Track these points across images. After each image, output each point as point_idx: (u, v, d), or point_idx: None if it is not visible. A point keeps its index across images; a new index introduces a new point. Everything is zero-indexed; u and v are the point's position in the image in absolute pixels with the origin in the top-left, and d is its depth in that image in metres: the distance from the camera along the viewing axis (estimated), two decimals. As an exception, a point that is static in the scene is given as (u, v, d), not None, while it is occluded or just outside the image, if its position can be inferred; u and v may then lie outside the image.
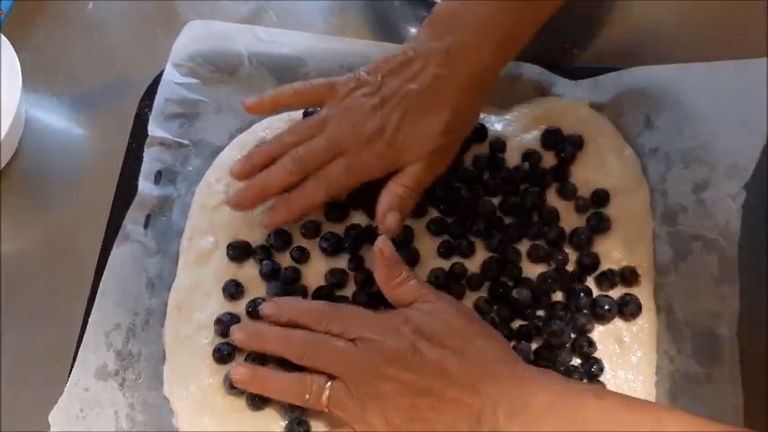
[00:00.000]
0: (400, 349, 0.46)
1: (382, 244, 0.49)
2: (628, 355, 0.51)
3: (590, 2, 0.63)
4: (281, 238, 0.55)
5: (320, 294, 0.54)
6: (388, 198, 0.51)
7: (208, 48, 0.59)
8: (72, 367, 0.51)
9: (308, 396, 0.47)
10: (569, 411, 0.42)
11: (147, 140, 0.57)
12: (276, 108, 0.56)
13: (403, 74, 0.51)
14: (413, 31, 0.64)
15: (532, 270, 0.54)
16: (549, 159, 0.57)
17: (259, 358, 0.51)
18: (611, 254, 0.54)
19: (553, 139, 0.57)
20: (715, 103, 0.53)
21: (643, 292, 0.53)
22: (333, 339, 0.48)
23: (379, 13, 0.65)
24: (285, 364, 0.50)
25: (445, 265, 0.54)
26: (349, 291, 0.54)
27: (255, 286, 0.55)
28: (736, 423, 0.47)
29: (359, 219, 0.56)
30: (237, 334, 0.51)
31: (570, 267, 0.54)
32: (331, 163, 0.51)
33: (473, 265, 0.54)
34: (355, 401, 0.46)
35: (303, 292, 0.54)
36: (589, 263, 0.54)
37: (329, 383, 0.47)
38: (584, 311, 0.52)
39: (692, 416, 0.41)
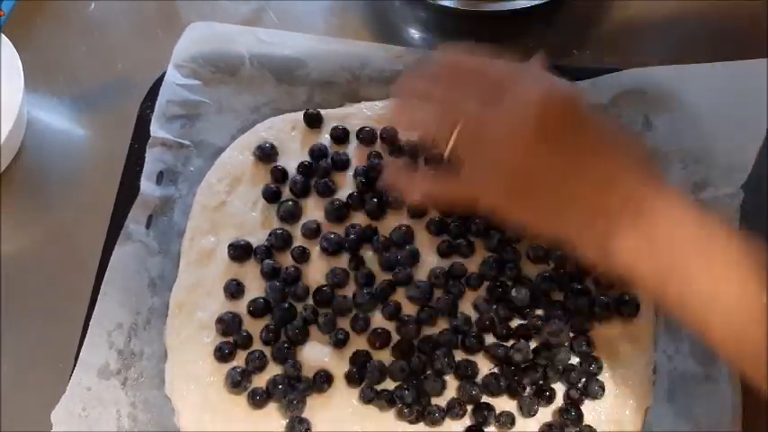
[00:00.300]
0: (542, 128, 0.42)
1: None
2: (626, 354, 0.52)
3: (590, 2, 0.63)
4: (281, 238, 0.56)
5: (320, 294, 0.54)
6: None
7: (209, 49, 0.59)
8: (74, 366, 0.51)
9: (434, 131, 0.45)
10: (694, 229, 0.40)
11: (149, 141, 0.57)
12: None
13: None
14: (413, 31, 0.65)
15: (531, 270, 0.54)
16: (548, 159, 0.57)
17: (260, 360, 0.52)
18: (610, 254, 0.54)
19: (552, 139, 0.57)
20: (714, 104, 0.53)
21: (641, 292, 0.53)
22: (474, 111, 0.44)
23: (380, 14, 0.65)
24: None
25: (445, 264, 0.54)
26: (349, 290, 0.54)
27: (256, 286, 0.55)
28: (735, 422, 0.48)
29: (359, 219, 0.57)
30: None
31: (569, 267, 0.54)
32: None
33: (472, 264, 0.55)
34: (481, 168, 0.44)
35: (304, 292, 0.54)
36: (587, 262, 0.54)
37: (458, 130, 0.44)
38: (583, 311, 0.52)
39: None
